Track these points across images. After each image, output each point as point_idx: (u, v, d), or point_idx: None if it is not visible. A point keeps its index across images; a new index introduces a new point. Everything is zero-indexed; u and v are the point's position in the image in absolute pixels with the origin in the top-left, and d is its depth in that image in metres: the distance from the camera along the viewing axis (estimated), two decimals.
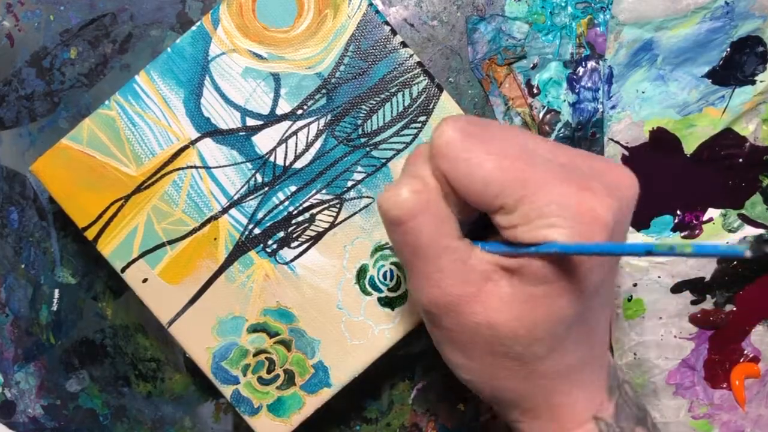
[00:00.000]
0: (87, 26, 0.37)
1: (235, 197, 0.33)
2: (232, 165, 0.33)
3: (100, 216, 0.33)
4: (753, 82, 0.34)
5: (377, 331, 0.33)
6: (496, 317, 0.24)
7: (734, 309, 0.36)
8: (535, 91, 0.36)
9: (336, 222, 0.33)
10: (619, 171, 0.24)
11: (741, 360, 0.37)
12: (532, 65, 0.36)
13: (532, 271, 0.23)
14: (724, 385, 0.37)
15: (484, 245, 0.25)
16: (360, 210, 0.33)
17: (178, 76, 0.32)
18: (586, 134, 0.36)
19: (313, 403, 0.33)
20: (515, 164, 0.22)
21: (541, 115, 0.36)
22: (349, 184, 0.33)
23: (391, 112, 0.33)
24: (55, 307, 0.39)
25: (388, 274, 0.33)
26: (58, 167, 0.33)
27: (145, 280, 0.33)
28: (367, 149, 0.33)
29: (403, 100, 0.32)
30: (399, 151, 0.33)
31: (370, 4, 0.32)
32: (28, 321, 0.39)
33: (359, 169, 0.33)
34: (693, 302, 0.36)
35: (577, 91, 0.35)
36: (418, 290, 0.25)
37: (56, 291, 0.39)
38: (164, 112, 0.33)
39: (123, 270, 0.33)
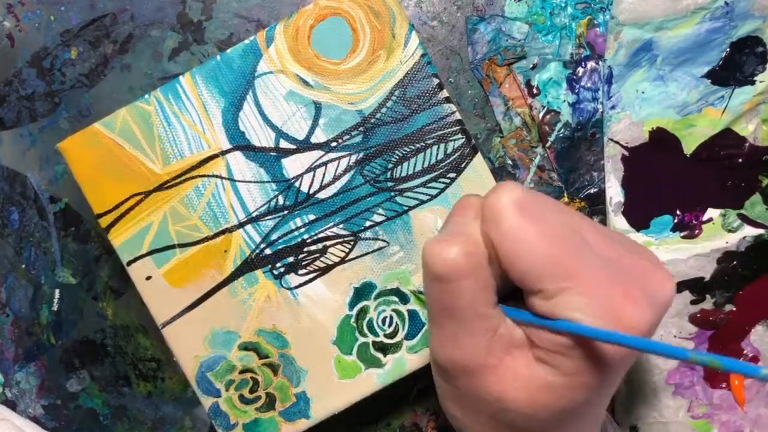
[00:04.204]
0: (87, 26, 0.37)
1: (254, 214, 0.33)
2: (257, 182, 0.33)
3: (117, 206, 0.33)
4: (752, 83, 0.34)
5: (365, 374, 0.33)
6: (508, 393, 0.23)
7: (734, 309, 0.36)
8: (534, 91, 0.36)
9: (347, 258, 0.33)
10: (663, 276, 0.24)
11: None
12: (531, 65, 0.36)
13: (555, 362, 0.23)
14: (724, 385, 0.37)
15: (508, 311, 0.24)
16: (373, 251, 0.33)
17: (222, 86, 0.33)
18: (585, 134, 0.36)
19: (288, 430, 0.33)
20: (565, 254, 0.22)
21: (541, 115, 0.36)
22: (368, 224, 0.33)
23: (423, 163, 0.33)
24: (55, 307, 0.39)
25: (387, 320, 0.33)
26: (86, 149, 0.33)
27: (148, 278, 0.33)
28: (392, 194, 0.33)
29: (437, 154, 0.33)
30: (423, 202, 0.33)
31: (424, 54, 0.32)
32: (29, 321, 0.39)
33: (380, 211, 0.33)
34: (693, 302, 0.36)
35: (576, 91, 0.36)
36: (439, 346, 0.25)
37: (57, 291, 0.39)
38: (201, 117, 0.33)
39: (129, 263, 0.33)
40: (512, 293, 0.25)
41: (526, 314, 0.23)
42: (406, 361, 0.33)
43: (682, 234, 0.36)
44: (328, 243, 0.33)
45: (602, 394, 0.24)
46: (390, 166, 0.33)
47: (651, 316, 0.22)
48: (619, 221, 0.36)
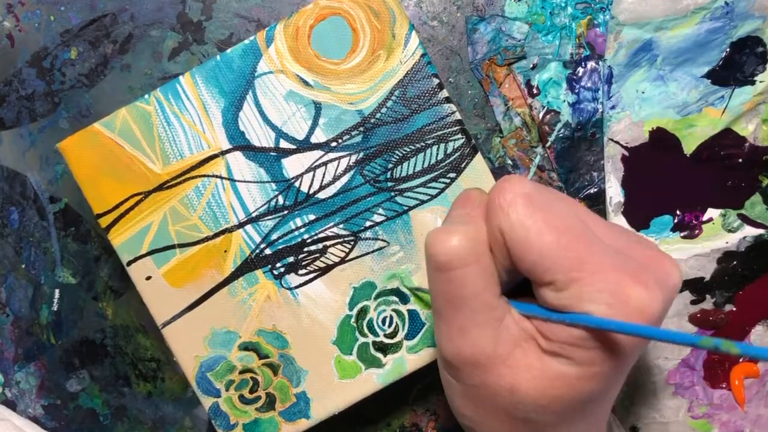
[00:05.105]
0: (87, 27, 0.37)
1: (254, 214, 0.33)
2: (257, 182, 0.33)
3: (117, 206, 0.33)
4: (752, 83, 0.34)
5: (365, 374, 0.33)
6: (521, 385, 0.23)
7: (734, 309, 0.36)
8: (534, 91, 0.36)
9: (347, 258, 0.33)
10: (669, 263, 0.24)
11: (740, 360, 0.37)
12: (531, 65, 0.36)
13: (569, 354, 0.23)
14: (724, 385, 0.37)
15: (518, 306, 0.24)
16: (373, 251, 0.33)
17: (222, 86, 0.33)
18: (585, 134, 0.36)
19: (288, 430, 0.33)
20: (574, 243, 0.22)
21: (540, 115, 0.36)
22: (368, 224, 0.33)
23: (423, 163, 0.33)
24: (55, 307, 0.39)
25: (388, 320, 0.33)
26: (86, 149, 0.33)
27: (148, 278, 0.33)
28: (392, 194, 0.33)
29: (437, 154, 0.33)
30: (423, 202, 0.33)
31: (424, 54, 0.32)
32: (29, 321, 0.39)
33: (380, 211, 0.33)
34: (693, 302, 0.36)
35: (576, 91, 0.36)
36: (447, 340, 0.25)
37: (56, 291, 0.39)
38: (201, 117, 0.33)
39: (129, 264, 0.33)
40: (518, 289, 0.25)
41: (537, 308, 0.23)
42: (406, 361, 0.33)
43: (682, 234, 0.36)
44: (328, 243, 0.33)
45: (614, 382, 0.24)
46: (390, 166, 0.33)
47: (661, 298, 0.22)
48: (619, 221, 0.36)
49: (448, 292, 0.24)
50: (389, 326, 0.33)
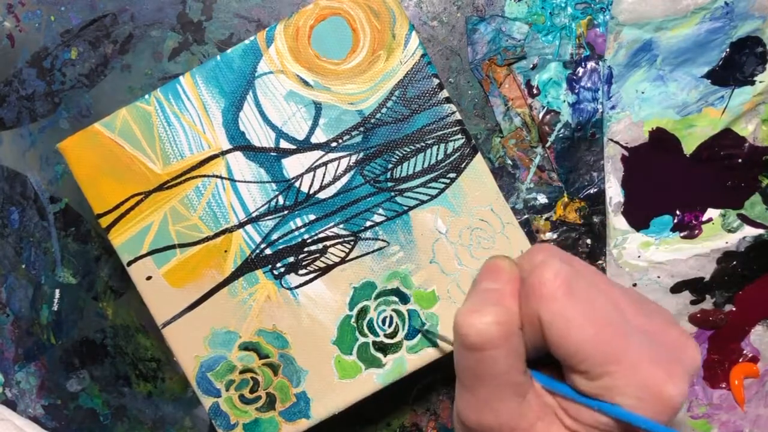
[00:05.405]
0: (87, 27, 0.37)
1: (254, 214, 0.33)
2: (257, 182, 0.33)
3: (117, 206, 0.33)
4: (752, 83, 0.34)
5: (365, 374, 0.33)
6: None
7: (733, 309, 0.36)
8: (534, 91, 0.36)
9: (347, 258, 0.33)
10: (693, 348, 0.24)
11: (740, 360, 0.37)
12: (531, 66, 0.36)
13: None
14: (723, 385, 0.37)
15: (544, 381, 0.24)
16: (373, 251, 0.33)
17: (222, 86, 0.33)
18: (585, 134, 0.36)
19: (288, 430, 0.33)
20: (611, 337, 0.22)
21: (540, 115, 0.36)
22: (368, 224, 0.33)
23: (423, 163, 0.33)
24: (55, 307, 0.39)
25: (387, 320, 0.33)
26: (86, 149, 0.33)
27: (149, 278, 0.33)
28: (392, 194, 0.33)
29: (437, 154, 0.33)
30: (423, 202, 0.33)
31: (424, 54, 0.32)
32: (29, 321, 0.39)
33: (380, 211, 0.33)
34: (692, 302, 0.36)
35: (576, 91, 0.36)
36: (469, 409, 0.25)
37: (57, 291, 0.39)
38: (201, 117, 0.33)
39: (129, 264, 0.33)
40: (541, 358, 0.25)
41: (564, 387, 0.24)
42: (406, 361, 0.33)
43: (682, 234, 0.36)
44: (328, 243, 0.33)
45: None
46: (390, 166, 0.33)
47: (687, 388, 0.23)
48: (619, 221, 0.36)
49: (475, 370, 0.24)
50: (389, 326, 0.33)
